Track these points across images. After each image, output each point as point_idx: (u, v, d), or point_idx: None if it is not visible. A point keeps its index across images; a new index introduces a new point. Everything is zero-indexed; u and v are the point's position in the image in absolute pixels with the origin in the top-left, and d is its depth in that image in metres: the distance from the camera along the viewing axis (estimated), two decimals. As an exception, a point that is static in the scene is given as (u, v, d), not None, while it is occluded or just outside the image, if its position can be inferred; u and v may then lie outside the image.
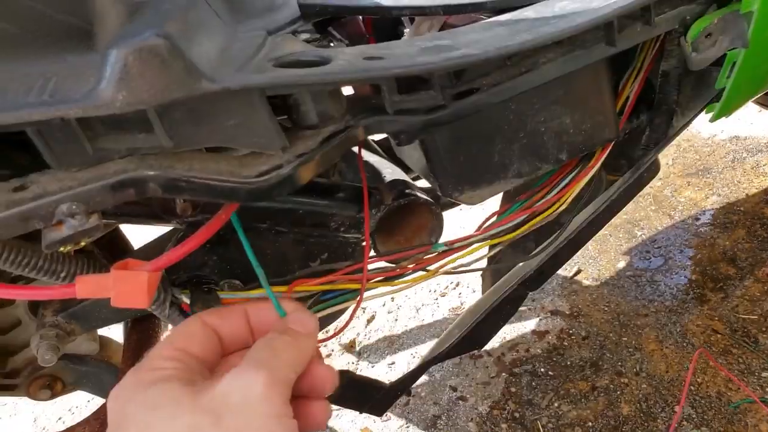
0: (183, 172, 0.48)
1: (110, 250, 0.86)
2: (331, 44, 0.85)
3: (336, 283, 0.73)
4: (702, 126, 2.10)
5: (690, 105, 0.98)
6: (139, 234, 0.89)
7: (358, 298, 0.78)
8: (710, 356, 1.28)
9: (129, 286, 0.49)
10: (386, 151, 1.06)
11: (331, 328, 1.24)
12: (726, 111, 0.89)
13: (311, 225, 0.77)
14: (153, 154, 0.48)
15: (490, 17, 0.73)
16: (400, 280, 0.83)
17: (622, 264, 1.66)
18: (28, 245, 0.52)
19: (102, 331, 0.97)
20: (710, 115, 0.95)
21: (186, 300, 0.64)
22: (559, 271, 1.71)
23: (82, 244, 0.54)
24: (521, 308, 1.61)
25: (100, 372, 0.92)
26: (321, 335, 0.84)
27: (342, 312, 0.90)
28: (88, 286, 0.50)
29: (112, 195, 0.46)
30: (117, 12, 0.52)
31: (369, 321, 1.74)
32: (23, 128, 0.41)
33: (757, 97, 1.28)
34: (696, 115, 0.99)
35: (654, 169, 1.10)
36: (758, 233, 1.61)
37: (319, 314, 0.74)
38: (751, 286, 1.46)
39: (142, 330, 0.84)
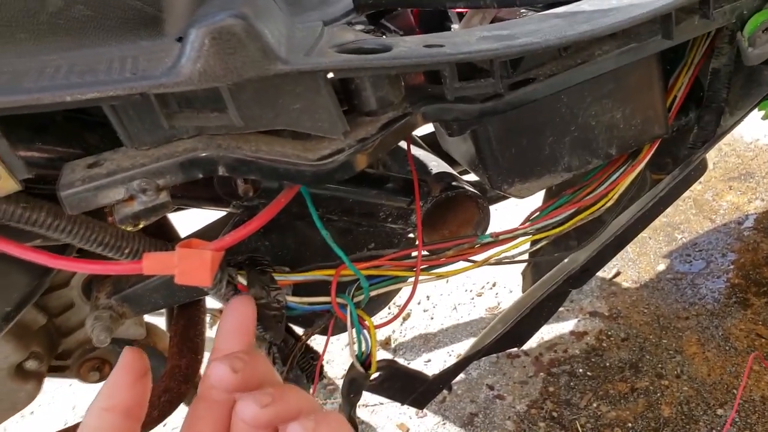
0: (250, 153, 0.50)
1: (157, 236, 0.87)
2: (386, 35, 0.86)
3: (383, 269, 0.74)
4: (745, 130, 2.06)
5: (739, 104, 0.97)
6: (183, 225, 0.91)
7: (406, 284, 0.79)
8: (764, 360, 1.26)
9: (193, 264, 0.51)
10: (430, 145, 1.07)
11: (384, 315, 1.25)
12: (780, 109, 0.88)
13: (360, 214, 0.78)
14: (221, 135, 0.50)
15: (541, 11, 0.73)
16: (447, 269, 0.84)
17: (662, 267, 1.64)
18: (95, 221, 0.54)
19: (148, 319, 0.99)
20: (760, 114, 0.94)
21: (242, 280, 0.65)
22: (598, 273, 1.71)
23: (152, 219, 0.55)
24: (559, 309, 1.61)
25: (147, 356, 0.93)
26: (379, 319, 0.85)
27: (390, 299, 0.91)
28: (154, 263, 0.51)
29: (181, 173, 0.48)
30: (184, -1, 0.53)
31: (405, 318, 1.75)
32: (103, 104, 0.43)
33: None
34: (746, 115, 0.98)
35: (701, 167, 1.09)
36: (803, 238, 1.59)
37: (373, 293, 0.75)
38: (796, 290, 1.44)
39: (188, 317, 0.85)
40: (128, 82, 0.41)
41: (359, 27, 0.80)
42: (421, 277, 0.80)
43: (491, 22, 0.90)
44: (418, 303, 1.77)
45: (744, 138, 2.07)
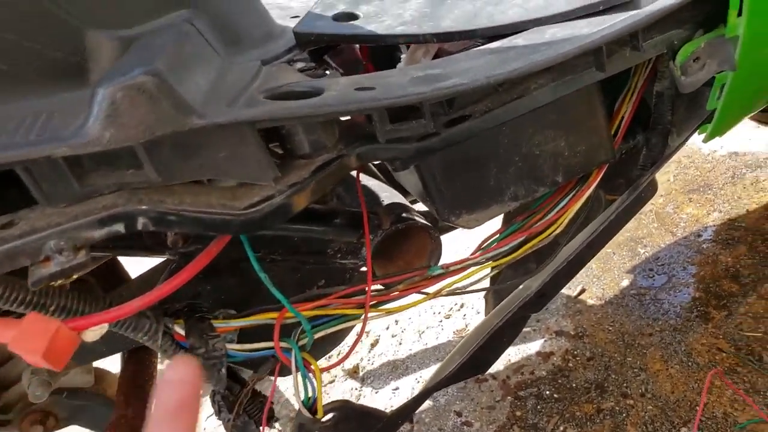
0: (173, 206, 0.49)
1: (107, 280, 0.86)
2: (327, 72, 0.86)
3: (330, 308, 0.73)
4: (702, 143, 2.09)
5: (685, 125, 0.98)
6: (137, 262, 0.89)
7: (356, 322, 0.78)
8: (724, 377, 1.27)
9: (34, 333, 0.47)
10: (385, 174, 1.06)
11: (335, 353, 1.24)
12: (718, 131, 0.89)
13: (307, 252, 0.77)
14: (143, 188, 0.49)
15: (484, 44, 0.73)
16: (398, 303, 0.83)
17: (625, 282, 1.65)
18: (16, 279, 0.53)
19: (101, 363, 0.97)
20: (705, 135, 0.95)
21: (179, 330, 0.64)
22: (564, 291, 1.71)
23: (74, 277, 0.54)
24: (525, 329, 1.61)
25: (94, 405, 0.91)
26: (324, 362, 0.84)
27: (342, 337, 0.90)
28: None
29: (100, 230, 0.47)
30: (109, 47, 0.53)
31: (373, 345, 1.74)
32: (11, 167, 0.42)
33: (751, 115, 1.28)
34: (691, 135, 0.99)
35: (651, 188, 1.10)
36: (760, 249, 1.61)
37: (316, 335, 0.74)
38: (754, 302, 1.45)
39: (138, 361, 0.84)
40: (30, 146, 0.40)
41: (300, 65, 0.80)
42: (371, 314, 0.79)
43: (437, 53, 0.90)
44: (387, 328, 1.77)
45: (702, 150, 2.10)
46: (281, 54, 0.73)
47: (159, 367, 0.91)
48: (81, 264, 0.46)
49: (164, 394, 0.40)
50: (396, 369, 1.64)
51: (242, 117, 0.47)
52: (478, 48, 0.68)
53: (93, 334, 0.55)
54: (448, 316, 1.76)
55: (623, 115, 0.91)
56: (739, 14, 0.70)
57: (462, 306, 1.77)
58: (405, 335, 1.74)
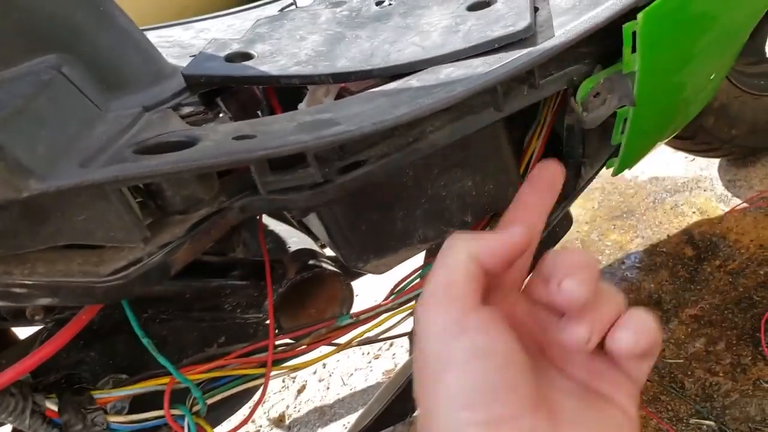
0: (22, 278, 0.44)
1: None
2: (220, 116, 0.82)
3: (229, 368, 0.69)
4: (611, 176, 2.13)
5: (597, 156, 0.98)
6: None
7: (258, 381, 0.73)
8: (646, 409, 1.27)
9: None
10: (294, 218, 1.03)
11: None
12: (626, 165, 0.89)
13: (202, 309, 0.72)
14: (-14, 259, 0.44)
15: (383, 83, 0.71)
16: (306, 358, 0.79)
17: (552, 313, 1.65)
18: None
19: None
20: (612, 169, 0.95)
21: (52, 406, 0.58)
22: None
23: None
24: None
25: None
26: (245, 409, 0.79)
27: (249, 396, 0.84)
28: None
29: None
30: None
31: (299, 391, 1.67)
32: None
33: (662, 143, 1.30)
34: (602, 166, 0.99)
35: (566, 222, 1.10)
36: (680, 274, 1.63)
37: (211, 400, 0.69)
38: (675, 329, 1.46)
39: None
40: None
41: (188, 109, 0.76)
42: (275, 372, 0.75)
43: (339, 92, 0.88)
44: (314, 372, 1.71)
45: (625, 176, 2.14)
46: (169, 98, 0.69)
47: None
48: None
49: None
50: (324, 415, 1.58)
51: (92, 179, 0.42)
52: (373, 90, 0.66)
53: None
54: (377, 357, 1.71)
55: (533, 150, 0.90)
56: (633, 50, 0.69)
57: (391, 345, 1.73)
58: (333, 379, 1.68)
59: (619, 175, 2.01)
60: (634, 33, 0.66)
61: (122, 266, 0.47)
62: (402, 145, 0.65)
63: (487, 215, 0.84)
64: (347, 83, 0.86)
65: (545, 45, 0.64)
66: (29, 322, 0.59)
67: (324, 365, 1.72)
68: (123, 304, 0.60)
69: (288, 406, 1.64)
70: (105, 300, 0.47)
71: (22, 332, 0.88)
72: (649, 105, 0.78)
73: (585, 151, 0.95)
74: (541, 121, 0.89)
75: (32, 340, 0.75)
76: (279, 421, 1.60)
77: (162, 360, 0.60)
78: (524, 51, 0.64)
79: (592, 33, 0.65)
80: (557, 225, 1.03)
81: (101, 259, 0.48)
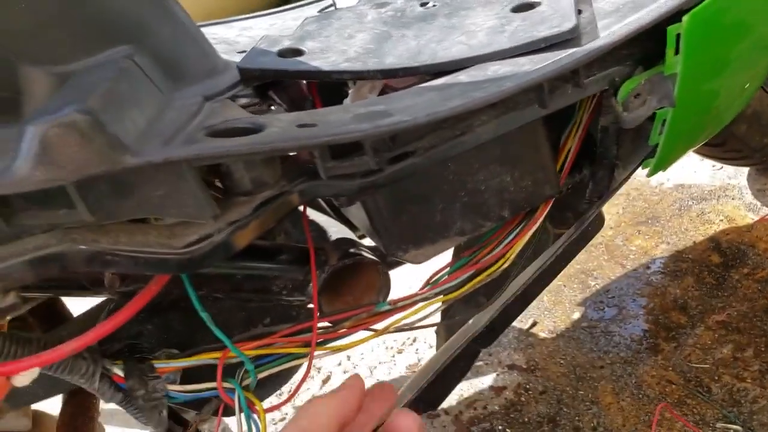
0: (108, 246, 0.47)
1: (47, 319, 0.83)
2: (272, 108, 0.86)
3: (275, 347, 0.72)
4: (646, 177, 2.15)
5: (630, 158, 1.00)
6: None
7: (302, 360, 0.76)
8: (673, 411, 1.29)
9: None
10: (333, 208, 1.06)
11: (285, 390, 1.21)
12: (661, 166, 0.91)
13: (251, 290, 0.76)
14: (77, 228, 0.47)
15: (428, 80, 0.74)
16: (346, 341, 0.82)
17: (576, 315, 1.67)
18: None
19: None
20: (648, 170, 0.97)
21: (118, 372, 0.61)
22: (515, 324, 1.72)
23: (8, 318, 0.52)
24: (478, 363, 1.60)
25: (32, 450, 0.87)
26: (274, 399, 0.82)
27: (291, 374, 0.88)
28: None
29: (32, 271, 0.45)
30: (44, 83, 0.51)
31: (324, 381, 1.71)
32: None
33: (694, 149, 1.32)
34: (636, 168, 1.01)
35: (598, 222, 1.12)
36: (706, 280, 1.64)
37: (261, 375, 0.72)
38: (702, 334, 1.48)
39: (77, 404, 0.80)
40: (-48, 185, 0.39)
41: (244, 100, 0.79)
42: (319, 353, 0.78)
43: (382, 89, 0.91)
44: (339, 364, 1.74)
45: (650, 183, 2.16)
46: (224, 90, 0.73)
47: (100, 408, 0.88)
48: (11, 306, 0.44)
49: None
50: (349, 405, 1.61)
51: (177, 155, 0.46)
52: (422, 85, 0.69)
53: (23, 378, 0.53)
54: (400, 351, 1.75)
55: (569, 149, 0.92)
56: (677, 52, 0.72)
57: (414, 340, 1.76)
58: (357, 371, 1.72)
59: (644, 181, 2.02)
60: (678, 35, 0.69)
61: (195, 240, 0.51)
62: (449, 138, 0.68)
63: (523, 211, 0.87)
64: (391, 81, 0.89)
65: (591, 45, 0.67)
66: (102, 291, 0.63)
67: (348, 357, 1.76)
68: (184, 279, 0.63)
69: (313, 395, 1.68)
70: (178, 271, 0.51)
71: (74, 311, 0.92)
72: (688, 107, 0.80)
73: (618, 152, 0.97)
74: (578, 121, 0.92)
75: (88, 317, 0.79)
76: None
77: (219, 333, 0.64)
78: (570, 51, 0.67)
79: (635, 35, 0.68)
80: (590, 224, 1.06)
81: (173, 233, 0.52)
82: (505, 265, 0.88)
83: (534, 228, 0.88)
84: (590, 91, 0.74)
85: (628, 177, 1.04)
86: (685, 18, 0.66)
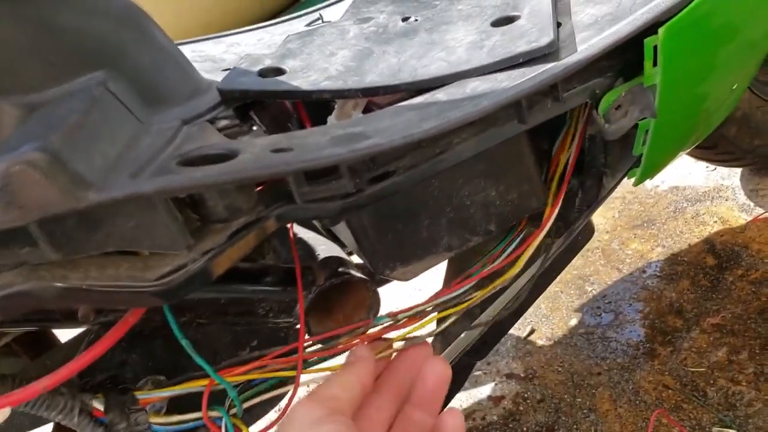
0: (78, 282, 0.47)
1: (32, 346, 0.82)
2: (254, 128, 0.85)
3: (263, 370, 0.71)
4: (633, 186, 2.14)
5: (619, 166, 1.00)
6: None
7: (294, 383, 0.76)
8: (669, 417, 1.28)
9: None
10: (323, 226, 1.05)
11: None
12: (647, 175, 0.90)
13: (236, 314, 0.75)
14: (44, 264, 0.47)
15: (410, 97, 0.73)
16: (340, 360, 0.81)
17: (574, 321, 1.66)
18: None
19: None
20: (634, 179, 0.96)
21: (98, 405, 0.61)
22: (513, 332, 1.71)
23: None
24: (476, 372, 1.60)
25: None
26: (264, 422, 0.81)
27: (282, 397, 0.87)
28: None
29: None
30: (11, 114, 0.51)
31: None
32: None
33: (684, 153, 1.31)
34: (624, 176, 1.01)
35: (588, 231, 1.11)
36: (701, 283, 1.64)
37: (247, 403, 0.71)
38: (697, 337, 1.47)
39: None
40: None
41: (224, 122, 0.79)
42: (309, 377, 0.77)
43: (366, 105, 0.90)
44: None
45: (645, 185, 2.15)
46: (205, 111, 0.72)
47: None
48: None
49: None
50: (348, 419, 1.60)
51: (143, 190, 0.45)
52: (401, 104, 0.69)
53: (-3, 416, 0.52)
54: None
55: (567, 159, 0.91)
56: (655, 64, 0.71)
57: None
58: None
59: (640, 184, 2.02)
60: (655, 47, 0.68)
61: (167, 272, 0.50)
62: (429, 156, 0.67)
63: (510, 224, 0.86)
64: (375, 98, 0.89)
65: (568, 60, 0.66)
66: (78, 324, 0.62)
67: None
68: (164, 308, 0.63)
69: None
70: (152, 304, 0.50)
71: (62, 336, 0.91)
72: (671, 116, 0.80)
73: (607, 161, 0.97)
74: (572, 132, 0.91)
75: (74, 343, 0.79)
76: None
77: (200, 361, 0.63)
78: (548, 66, 0.67)
79: (613, 48, 0.68)
80: (579, 234, 1.05)
81: (146, 265, 0.51)
82: (515, 273, 0.87)
83: (540, 237, 0.87)
84: (570, 105, 0.73)
85: (617, 185, 1.03)
86: (660, 30, 0.66)
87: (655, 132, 0.80)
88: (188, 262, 0.52)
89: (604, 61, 0.74)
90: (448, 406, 0.60)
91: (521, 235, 0.89)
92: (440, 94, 0.68)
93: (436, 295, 0.85)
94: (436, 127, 0.58)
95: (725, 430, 1.22)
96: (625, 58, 0.74)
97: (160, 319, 0.67)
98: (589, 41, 0.69)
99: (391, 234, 0.77)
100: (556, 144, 0.93)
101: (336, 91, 0.75)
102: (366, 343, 0.69)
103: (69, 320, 0.61)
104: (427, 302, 0.85)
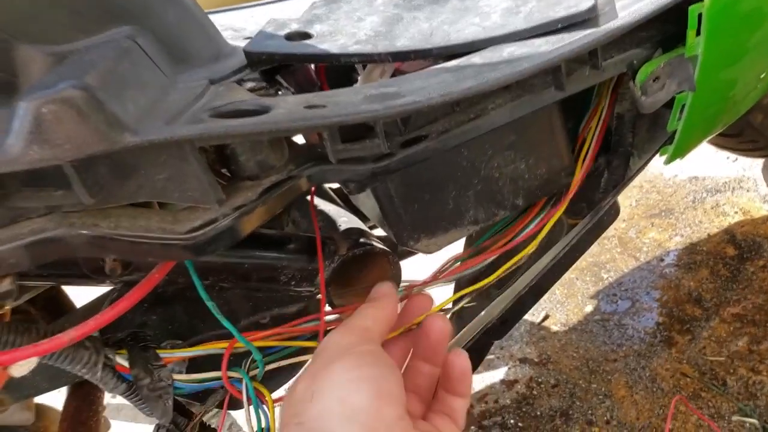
0: (108, 231, 0.45)
1: (49, 311, 0.81)
2: (279, 93, 0.84)
3: (284, 336, 0.70)
4: (664, 167, 2.12)
5: (646, 147, 0.98)
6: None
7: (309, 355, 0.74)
8: (688, 403, 1.26)
9: None
10: (342, 198, 1.04)
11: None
12: (679, 153, 0.88)
13: (259, 279, 0.73)
14: (76, 211, 0.45)
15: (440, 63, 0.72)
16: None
17: (589, 308, 1.64)
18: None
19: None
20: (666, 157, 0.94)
21: (122, 361, 0.60)
22: (527, 317, 1.69)
23: (6, 307, 0.51)
24: (489, 356, 1.58)
25: (34, 445, 0.85)
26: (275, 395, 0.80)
27: (297, 369, 0.86)
28: None
29: (28, 256, 0.43)
30: (41, 62, 0.49)
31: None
32: None
33: (710, 138, 1.29)
34: (651, 157, 0.99)
35: (614, 212, 1.09)
36: (721, 273, 1.61)
37: (268, 367, 0.70)
38: (717, 326, 1.45)
39: (82, 397, 0.78)
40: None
41: (250, 84, 0.77)
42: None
43: (393, 74, 0.89)
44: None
45: (664, 174, 2.12)
46: (230, 74, 0.71)
47: (108, 400, 0.86)
48: (6, 293, 0.42)
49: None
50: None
51: (180, 135, 0.44)
52: (434, 67, 0.67)
53: (21, 368, 0.51)
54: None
55: (592, 136, 0.89)
56: (698, 33, 0.69)
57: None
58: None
59: (658, 173, 1.99)
60: (699, 15, 0.66)
61: (199, 225, 0.49)
62: (462, 121, 0.66)
63: (537, 199, 0.84)
64: (402, 65, 0.87)
65: (610, 26, 0.64)
66: (103, 279, 0.61)
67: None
68: (188, 267, 0.61)
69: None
70: (181, 257, 0.49)
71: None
72: (709, 91, 0.77)
73: (634, 140, 0.95)
74: (599, 109, 0.89)
75: (91, 307, 0.78)
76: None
77: (225, 322, 0.62)
78: (588, 31, 0.65)
79: (655, 15, 0.66)
80: (605, 214, 1.03)
81: (176, 219, 0.50)
82: (533, 250, 0.86)
83: (560, 212, 0.86)
84: (608, 74, 0.71)
85: (644, 166, 1.01)
86: (707, -3, 0.64)
87: (691, 107, 0.78)
88: (219, 217, 0.50)
89: (643, 31, 0.72)
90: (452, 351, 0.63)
91: (542, 213, 0.87)
92: (476, 58, 0.66)
93: (453, 271, 0.84)
94: (476, 86, 0.56)
95: (746, 419, 1.20)
96: (665, 28, 0.72)
97: (183, 281, 0.66)
98: (629, 8, 0.67)
99: (417, 204, 0.75)
100: (583, 121, 0.91)
101: (366, 55, 0.73)
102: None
103: (95, 275, 0.60)
104: (445, 275, 0.84)
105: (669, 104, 0.80)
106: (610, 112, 0.90)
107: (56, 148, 0.39)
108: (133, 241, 0.46)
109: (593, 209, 1.02)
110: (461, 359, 0.62)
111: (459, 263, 0.83)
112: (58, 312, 0.85)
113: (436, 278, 0.82)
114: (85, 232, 0.44)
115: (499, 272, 0.85)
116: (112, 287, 0.67)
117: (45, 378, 0.70)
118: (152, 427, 0.74)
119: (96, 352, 0.56)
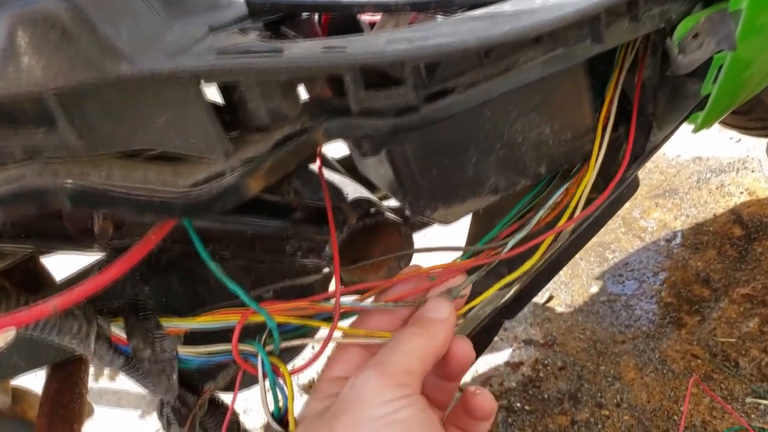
0: (99, 182, 0.39)
1: (25, 285, 0.74)
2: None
3: (299, 311, 0.63)
4: (667, 147, 2.07)
5: (667, 118, 0.92)
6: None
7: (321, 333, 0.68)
8: (703, 385, 1.22)
9: None
10: (347, 170, 0.98)
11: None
12: (710, 120, 0.83)
13: (263, 250, 0.67)
14: (60, 159, 0.39)
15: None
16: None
17: (595, 289, 1.59)
18: None
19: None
20: (689, 128, 0.89)
21: (118, 331, 0.53)
22: (530, 298, 1.65)
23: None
24: (493, 339, 1.53)
25: (11, 429, 0.78)
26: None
27: (300, 350, 0.80)
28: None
29: (2, 209, 0.36)
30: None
31: (330, 357, 1.64)
32: None
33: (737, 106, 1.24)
34: (675, 129, 0.93)
35: (634, 185, 1.04)
36: (729, 253, 1.57)
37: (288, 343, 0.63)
38: (727, 307, 1.41)
39: (63, 378, 0.71)
40: None
41: (253, 34, 0.70)
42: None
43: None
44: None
45: (666, 155, 2.08)
46: (231, 22, 0.64)
47: (89, 384, 0.80)
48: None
49: None
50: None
51: (186, 67, 0.37)
52: (459, 15, 0.60)
53: (-2, 340, 0.45)
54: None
55: (610, 99, 0.84)
56: (743, -13, 0.64)
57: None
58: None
59: (660, 153, 1.94)
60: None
61: (203, 179, 0.43)
62: (492, 75, 0.59)
63: (561, 168, 0.78)
64: (418, 17, 0.81)
65: (653, -28, 0.59)
66: (90, 244, 0.54)
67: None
68: (188, 227, 0.55)
69: (318, 373, 1.60)
70: (183, 215, 0.42)
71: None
72: (748, 51, 0.72)
73: (655, 111, 0.90)
74: (617, 74, 0.83)
75: (76, 278, 0.71)
76: (309, 387, 1.56)
77: (235, 287, 0.55)
78: (630, -22, 0.59)
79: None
80: (626, 187, 0.98)
81: (177, 172, 0.43)
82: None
83: (590, 183, 0.79)
84: (647, 28, 0.65)
85: (666, 139, 0.96)
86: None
87: (729, 68, 0.72)
88: (226, 170, 0.44)
89: (682, -16, 0.66)
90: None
91: (565, 184, 0.81)
92: (506, 6, 0.60)
93: (498, 256, 0.77)
94: (514, 32, 0.50)
95: (760, 401, 1.16)
96: (706, -19, 0.67)
97: (179, 249, 0.59)
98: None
99: (435, 169, 0.69)
100: (607, 87, 0.85)
101: (381, 5, 0.67)
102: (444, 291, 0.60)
103: (81, 238, 0.54)
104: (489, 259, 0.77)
105: (691, 74, 0.75)
106: (623, 77, 0.84)
107: (35, 72, 0.32)
108: (127, 196, 0.40)
109: (610, 182, 0.97)
110: (464, 346, 0.56)
111: (508, 247, 0.76)
112: (36, 287, 0.78)
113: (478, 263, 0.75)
114: (71, 182, 0.38)
115: (542, 250, 0.78)
116: (97, 258, 0.60)
117: (23, 357, 0.63)
118: (137, 413, 0.68)
119: (87, 321, 0.50)
